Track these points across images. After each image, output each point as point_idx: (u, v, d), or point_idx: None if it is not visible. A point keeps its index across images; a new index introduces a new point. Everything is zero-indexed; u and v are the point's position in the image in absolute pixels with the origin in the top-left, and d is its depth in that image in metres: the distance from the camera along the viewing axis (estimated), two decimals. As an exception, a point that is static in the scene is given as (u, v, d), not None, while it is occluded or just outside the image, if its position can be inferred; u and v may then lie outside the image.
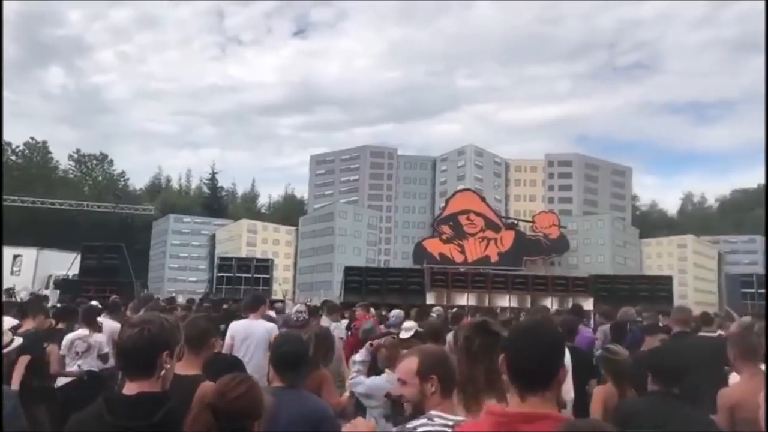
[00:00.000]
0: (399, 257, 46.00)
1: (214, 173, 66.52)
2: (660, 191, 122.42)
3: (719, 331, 6.88)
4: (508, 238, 44.71)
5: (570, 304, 17.90)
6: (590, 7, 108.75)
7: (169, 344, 2.05)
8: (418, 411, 2.16)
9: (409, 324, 6.28)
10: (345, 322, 8.96)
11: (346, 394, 4.09)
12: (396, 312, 7.52)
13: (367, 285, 18.74)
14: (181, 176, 76.35)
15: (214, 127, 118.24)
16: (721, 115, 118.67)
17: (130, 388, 1.98)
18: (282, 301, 19.07)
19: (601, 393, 3.95)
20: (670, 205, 76.55)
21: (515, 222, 46.62)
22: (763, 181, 74.29)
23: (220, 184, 67.60)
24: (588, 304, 17.75)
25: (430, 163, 50.90)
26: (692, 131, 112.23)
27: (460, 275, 21.63)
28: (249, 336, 5.52)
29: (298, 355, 3.04)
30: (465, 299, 19.03)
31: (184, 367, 3.15)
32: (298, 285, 42.45)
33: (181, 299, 17.16)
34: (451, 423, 2.03)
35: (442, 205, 46.99)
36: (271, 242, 44.87)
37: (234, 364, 4.12)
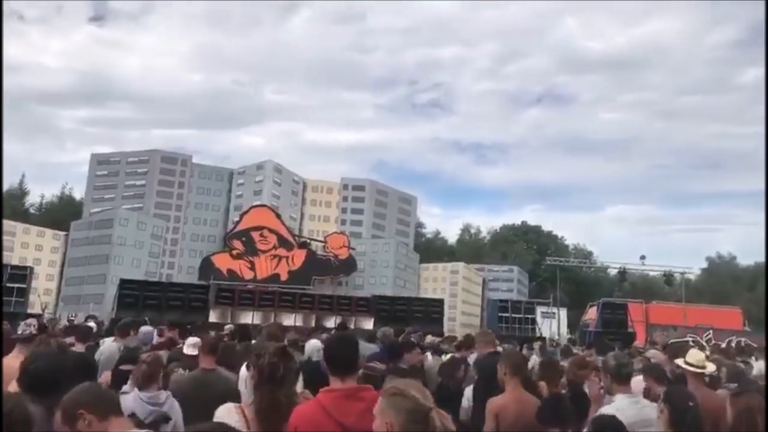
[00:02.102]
0: (184, 271, 43.61)
1: (-36, 163, 56.80)
2: (444, 221, 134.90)
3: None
4: (299, 257, 45.07)
5: (353, 324, 18.62)
6: (398, 44, 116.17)
7: None
8: None
9: (193, 340, 6.04)
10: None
11: None
12: (144, 328, 7.13)
13: (144, 300, 17.44)
14: None
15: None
16: (498, 158, 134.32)
17: None
18: (40, 315, 16.88)
19: None
20: (451, 234, 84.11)
21: (308, 241, 47.27)
22: (524, 218, 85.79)
23: (-28, 177, 57.84)
24: (369, 324, 18.63)
25: (226, 175, 49.39)
26: (474, 169, 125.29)
27: (248, 293, 21.25)
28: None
29: (53, 374, 2.46)
30: (251, 317, 18.69)
31: None
32: (62, 297, 37.79)
33: None
34: None
35: (236, 219, 45.83)
36: (33, 248, 39.38)
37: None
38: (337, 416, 2.40)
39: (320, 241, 47.38)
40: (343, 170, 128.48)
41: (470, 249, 70.99)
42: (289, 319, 19.07)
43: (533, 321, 24.58)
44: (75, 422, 1.98)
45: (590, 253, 75.88)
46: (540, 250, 71.82)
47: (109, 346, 6.51)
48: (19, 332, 4.93)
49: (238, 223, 45.17)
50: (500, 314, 24.47)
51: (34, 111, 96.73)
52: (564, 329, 35.02)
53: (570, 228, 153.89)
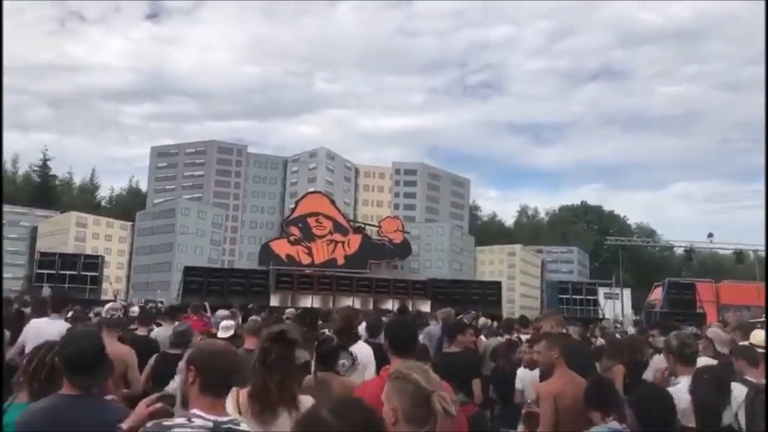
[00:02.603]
0: (244, 258, 44.78)
1: (45, 159, 59.74)
2: (500, 203, 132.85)
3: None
4: (355, 242, 45.51)
5: (410, 306, 18.68)
6: (446, 26, 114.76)
7: None
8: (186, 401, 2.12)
9: (228, 323, 6.24)
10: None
11: None
12: (220, 312, 7.25)
13: (208, 286, 18.02)
14: (7, 161, 67.39)
15: (49, 109, 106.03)
16: (555, 137, 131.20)
17: None
18: (113, 301, 17.67)
19: None
20: (508, 216, 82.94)
21: (362, 226, 47.62)
22: (584, 198, 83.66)
23: (53, 172, 60.90)
24: (426, 307, 18.64)
25: (281, 163, 50.25)
26: (530, 150, 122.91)
27: (306, 277, 21.61)
28: (41, 338, 4.88)
29: (92, 354, 2.47)
30: (310, 301, 19.05)
31: None
32: (133, 284, 39.54)
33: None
34: (210, 425, 1.96)
35: (292, 206, 46.63)
36: (103, 238, 41.30)
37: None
38: None
39: (374, 226, 47.67)
40: (395, 155, 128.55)
41: (528, 231, 69.83)
42: (348, 302, 19.30)
43: (595, 302, 24.05)
44: (187, 370, 2.12)
45: (654, 232, 73.38)
46: (601, 230, 69.84)
47: (163, 330, 6.72)
48: (106, 316, 5.21)
49: (293, 210, 45.97)
50: (560, 296, 24.10)
51: (100, 108, 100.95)
52: (628, 310, 34.03)
53: (632, 207, 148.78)
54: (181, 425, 1.93)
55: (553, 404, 3.87)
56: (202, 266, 23.68)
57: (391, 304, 18.90)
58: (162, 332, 6.56)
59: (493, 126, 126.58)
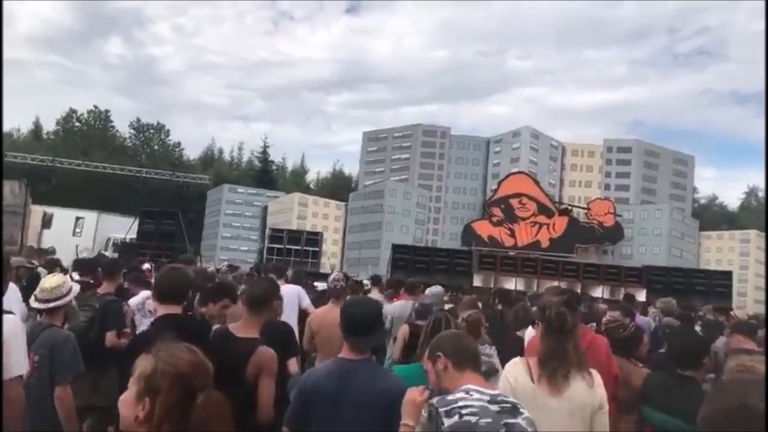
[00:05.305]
0: (447, 237, 45.75)
1: (265, 147, 67.67)
2: (720, 184, 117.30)
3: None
4: (560, 224, 43.79)
5: (621, 294, 17.43)
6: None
7: None
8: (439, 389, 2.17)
9: (435, 289, 6.30)
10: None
11: None
12: (433, 289, 7.25)
13: (414, 264, 18.67)
14: (233, 149, 77.85)
15: (264, 102, 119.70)
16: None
17: None
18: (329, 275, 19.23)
19: None
20: (731, 199, 73.07)
21: (569, 208, 45.56)
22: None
23: (270, 158, 68.76)
24: (641, 296, 17.22)
25: (483, 144, 50.13)
26: (758, 122, 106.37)
27: (510, 259, 21.27)
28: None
29: (371, 317, 2.60)
30: (513, 283, 18.73)
31: (244, 329, 3.13)
32: (346, 260, 42.87)
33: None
34: (487, 398, 2.00)
35: (494, 187, 46.31)
36: (320, 216, 45.35)
37: (288, 332, 4.12)
38: None
39: (583, 208, 45.29)
40: (595, 133, 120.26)
41: (758, 216, 60.56)
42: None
43: None
44: (435, 361, 2.22)
45: None
46: None
47: (402, 304, 6.91)
48: (331, 287, 5.71)
49: (496, 191, 45.63)
50: (810, 291, 20.56)
51: (306, 98, 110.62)
52: None
53: None
54: (462, 398, 2.01)
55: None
56: (409, 244, 24.66)
57: (600, 291, 17.81)
58: (391, 308, 6.76)
59: (711, 96, 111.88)
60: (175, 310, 3.06)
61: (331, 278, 6.09)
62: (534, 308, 5.61)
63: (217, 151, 76.20)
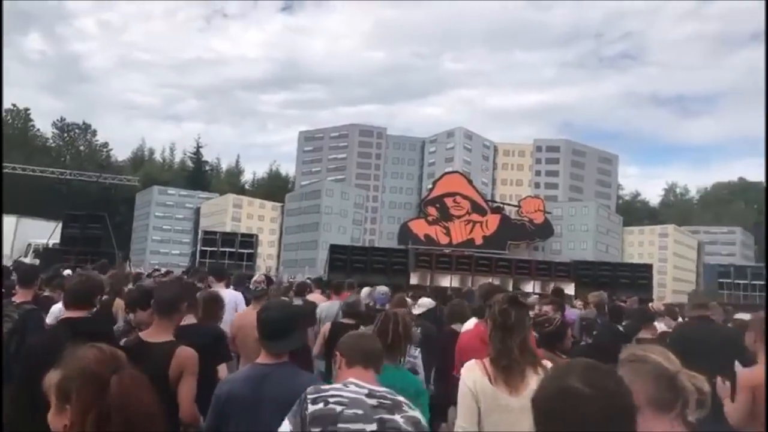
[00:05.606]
0: (384, 237, 46.01)
1: (198, 147, 66.00)
2: (642, 181, 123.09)
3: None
4: (493, 222, 44.87)
5: (551, 289, 18.06)
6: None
7: None
8: None
9: (426, 301, 6.43)
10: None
11: None
12: (382, 288, 7.42)
13: (351, 264, 18.76)
14: (165, 149, 75.52)
15: (197, 101, 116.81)
16: (704, 109, 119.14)
17: None
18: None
19: None
20: (652, 195, 77.23)
21: (501, 206, 46.77)
22: (741, 174, 75.26)
23: (204, 159, 67.15)
24: (569, 289, 17.94)
25: (418, 144, 50.70)
26: (676, 123, 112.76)
27: (445, 257, 21.70)
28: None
29: (286, 321, 2.61)
30: (449, 281, 19.14)
31: (156, 334, 3.04)
32: (283, 262, 42.35)
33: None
34: (365, 391, 2.03)
35: (429, 186, 46.96)
36: (256, 218, 44.63)
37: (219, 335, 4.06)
38: None
39: (514, 206, 46.59)
40: (527, 133, 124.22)
41: (677, 211, 64.35)
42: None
43: (761, 288, 21.66)
44: (334, 358, 2.34)
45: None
46: (763, 209, 62.44)
47: (330, 304, 7.13)
48: (253, 288, 5.67)
49: (431, 190, 46.27)
50: (720, 280, 22.04)
51: (241, 98, 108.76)
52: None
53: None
54: (335, 389, 2.05)
55: (748, 395, 3.48)
56: (346, 245, 24.70)
57: (532, 286, 18.46)
58: (320, 308, 6.96)
59: (634, 99, 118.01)
60: (79, 314, 2.99)
61: (252, 280, 6.10)
62: (467, 303, 5.83)
63: (148, 152, 73.78)
